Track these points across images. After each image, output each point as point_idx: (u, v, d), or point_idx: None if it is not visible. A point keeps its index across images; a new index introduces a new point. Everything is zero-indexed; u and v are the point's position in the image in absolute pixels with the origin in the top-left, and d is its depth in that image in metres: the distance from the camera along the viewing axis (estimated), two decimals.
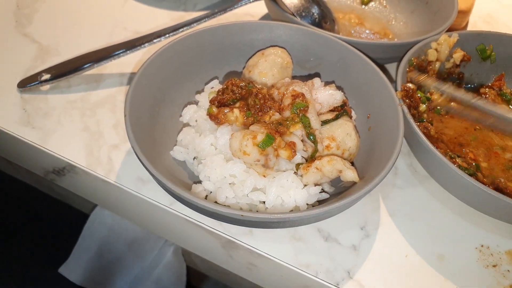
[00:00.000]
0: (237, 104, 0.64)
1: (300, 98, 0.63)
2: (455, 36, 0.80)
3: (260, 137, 0.56)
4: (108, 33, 0.96)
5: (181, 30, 0.81)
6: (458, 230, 0.68)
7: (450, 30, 0.86)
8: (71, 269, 0.95)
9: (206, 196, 0.61)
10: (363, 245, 0.65)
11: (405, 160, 0.77)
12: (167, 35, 0.81)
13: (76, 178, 0.75)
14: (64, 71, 0.82)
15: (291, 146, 0.58)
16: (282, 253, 0.63)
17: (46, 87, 0.82)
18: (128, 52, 0.81)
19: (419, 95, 0.73)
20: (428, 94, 0.82)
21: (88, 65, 0.81)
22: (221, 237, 0.64)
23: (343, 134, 0.64)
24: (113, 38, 0.94)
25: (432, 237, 0.67)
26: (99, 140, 0.74)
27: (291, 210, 0.59)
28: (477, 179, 0.67)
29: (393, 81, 0.84)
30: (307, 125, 0.61)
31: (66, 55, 0.87)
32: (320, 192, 0.62)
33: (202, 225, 0.65)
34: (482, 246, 0.66)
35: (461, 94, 0.69)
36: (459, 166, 0.68)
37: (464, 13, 1.02)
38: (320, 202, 0.63)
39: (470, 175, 0.67)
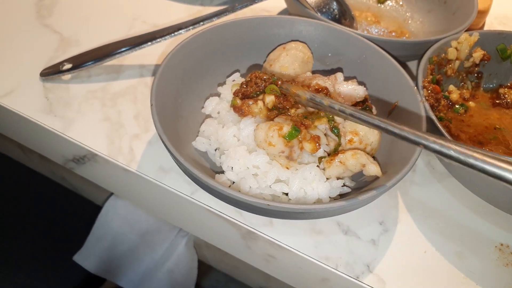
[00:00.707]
0: (261, 97, 0.64)
1: (324, 92, 0.63)
2: (475, 35, 0.80)
3: (286, 129, 0.57)
4: (127, 26, 0.96)
5: (201, 23, 0.82)
6: (476, 228, 0.68)
7: (467, 30, 0.86)
8: (85, 258, 0.96)
9: (229, 186, 0.62)
10: (382, 240, 0.65)
11: (423, 158, 0.78)
12: (187, 28, 0.81)
13: (96, 166, 0.75)
14: (86, 60, 0.82)
15: (316, 139, 0.58)
16: (302, 245, 0.63)
17: (67, 76, 0.82)
18: (149, 43, 0.81)
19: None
20: (447, 92, 0.82)
21: (109, 55, 0.81)
22: (241, 228, 0.65)
23: (365, 129, 0.64)
24: (132, 31, 0.95)
25: (450, 234, 0.67)
26: (120, 130, 0.75)
27: (314, 202, 0.59)
28: None
29: (413, 78, 0.85)
30: (331, 119, 0.61)
31: (86, 46, 0.88)
32: (342, 186, 0.62)
33: (222, 215, 0.65)
34: (501, 244, 0.66)
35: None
36: None
37: (482, 13, 1.02)
38: (342, 196, 0.63)
39: None
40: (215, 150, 0.67)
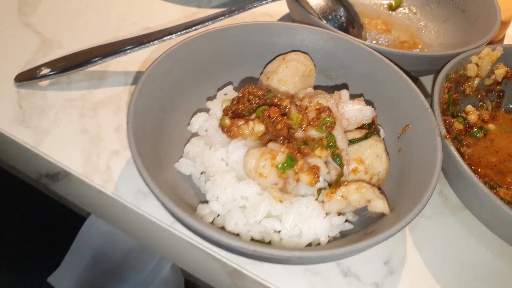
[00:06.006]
0: (253, 116, 0.56)
1: (326, 113, 0.55)
2: (499, 50, 0.72)
3: (280, 158, 0.49)
4: (115, 28, 0.89)
5: (194, 28, 0.74)
6: (495, 270, 0.60)
7: (487, 44, 0.77)
8: (61, 279, 0.89)
9: (213, 220, 0.54)
10: (387, 284, 0.57)
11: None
12: (179, 33, 0.74)
13: (71, 185, 0.68)
14: (66, 66, 0.75)
15: (315, 170, 0.50)
16: None
17: (45, 82, 0.75)
18: (135, 49, 0.74)
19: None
20: (464, 113, 0.73)
21: (92, 60, 0.74)
22: (227, 265, 0.57)
23: (372, 156, 0.56)
24: (121, 33, 0.87)
25: (465, 277, 0.59)
26: (98, 144, 0.68)
27: (310, 243, 0.51)
28: None
29: (426, 95, 0.77)
30: (332, 145, 0.53)
31: (69, 49, 0.80)
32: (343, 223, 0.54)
33: (205, 249, 0.57)
34: None
35: None
36: (502, 200, 0.59)
37: (504, 25, 0.93)
38: (343, 233, 0.55)
39: None
40: (201, 173, 0.59)
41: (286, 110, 0.56)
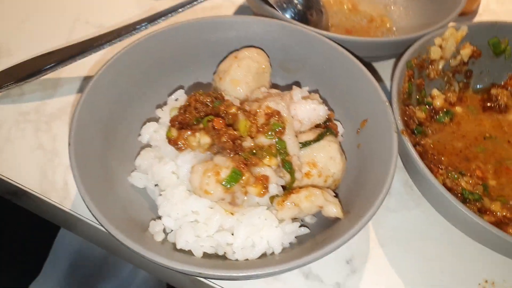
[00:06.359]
0: (201, 125, 0.54)
1: (276, 117, 0.53)
2: (463, 29, 0.68)
3: (224, 174, 0.47)
4: (68, 29, 0.85)
5: (143, 26, 0.71)
6: (459, 263, 0.60)
7: (460, 15, 0.73)
8: (42, 286, 0.90)
9: (167, 235, 0.53)
10: (349, 283, 0.57)
11: (401, 176, 0.68)
12: (128, 34, 0.71)
13: (32, 202, 0.67)
14: (17, 76, 0.72)
15: (263, 181, 0.49)
16: None
17: None
18: (85, 54, 0.71)
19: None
20: (430, 97, 0.71)
21: (44, 69, 0.71)
22: (188, 275, 0.57)
23: (325, 158, 0.55)
24: (74, 35, 0.83)
25: (429, 271, 0.59)
26: (55, 159, 0.66)
27: (264, 254, 0.51)
28: (483, 206, 0.59)
29: (380, 80, 0.74)
30: (283, 152, 0.52)
31: (19, 56, 0.76)
32: (299, 227, 0.54)
33: None
34: (486, 281, 0.58)
35: None
36: (463, 191, 0.58)
37: None
38: (300, 238, 0.54)
39: (476, 200, 0.58)
40: (155, 185, 0.58)
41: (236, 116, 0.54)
